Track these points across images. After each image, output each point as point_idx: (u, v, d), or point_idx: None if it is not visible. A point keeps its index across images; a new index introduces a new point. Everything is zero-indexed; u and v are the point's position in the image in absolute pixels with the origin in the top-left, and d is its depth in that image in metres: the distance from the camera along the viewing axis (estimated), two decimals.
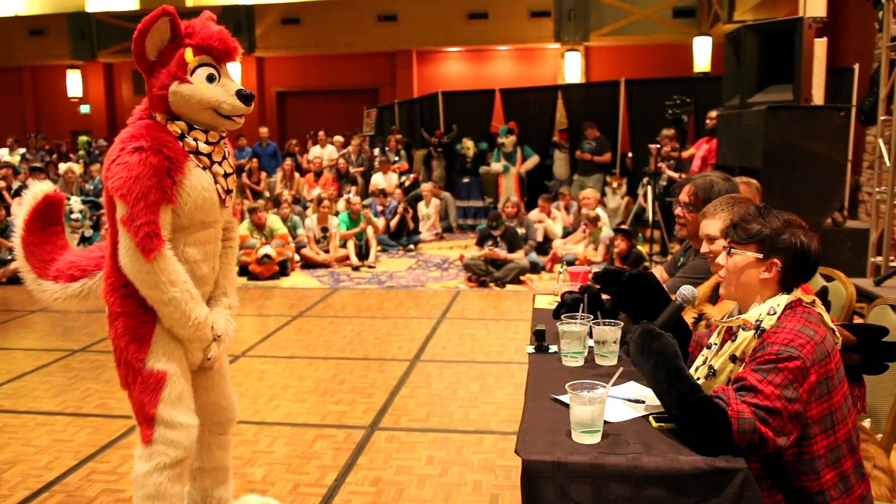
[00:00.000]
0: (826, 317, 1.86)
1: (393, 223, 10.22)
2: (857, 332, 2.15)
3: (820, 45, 5.56)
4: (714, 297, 2.52)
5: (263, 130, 13.33)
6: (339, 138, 13.25)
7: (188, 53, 2.24)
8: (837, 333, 1.87)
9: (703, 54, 14.18)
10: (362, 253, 9.14)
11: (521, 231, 8.44)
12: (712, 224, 2.46)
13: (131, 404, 2.37)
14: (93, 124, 18.61)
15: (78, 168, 11.82)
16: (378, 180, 11.41)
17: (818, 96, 5.62)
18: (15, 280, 7.53)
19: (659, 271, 3.31)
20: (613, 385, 1.87)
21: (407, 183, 11.55)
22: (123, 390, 2.40)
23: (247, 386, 4.60)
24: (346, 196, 9.90)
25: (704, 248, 2.48)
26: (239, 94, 2.29)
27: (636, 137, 11.52)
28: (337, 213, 9.43)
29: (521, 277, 7.81)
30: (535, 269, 8.13)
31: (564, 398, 1.89)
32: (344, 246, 9.10)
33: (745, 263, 1.89)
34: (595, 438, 1.74)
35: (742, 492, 1.61)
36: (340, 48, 16.81)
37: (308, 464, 3.48)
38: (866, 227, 5.96)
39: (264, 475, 3.37)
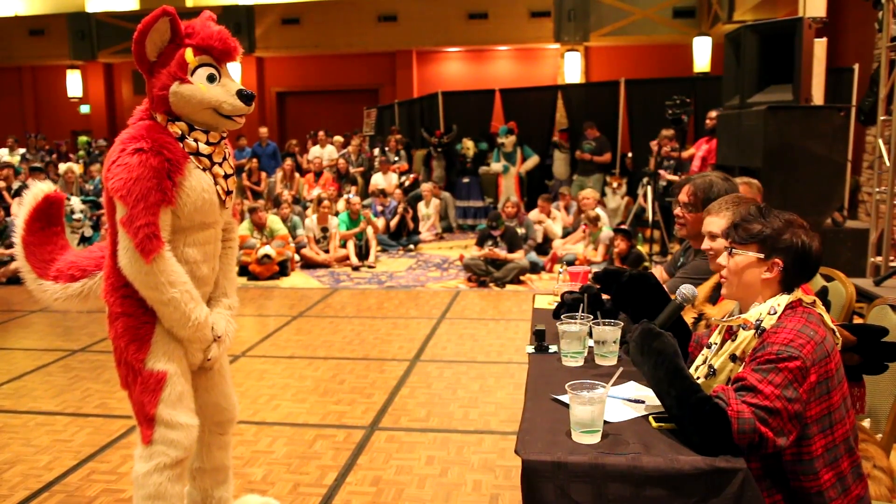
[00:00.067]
0: (826, 317, 1.86)
1: (393, 223, 10.22)
2: (856, 333, 2.16)
3: (820, 46, 5.56)
4: (714, 297, 2.52)
5: (263, 130, 13.33)
6: (339, 138, 13.25)
7: (188, 53, 2.24)
8: (837, 334, 1.87)
9: (702, 54, 14.17)
10: (362, 253, 9.14)
11: (520, 231, 8.45)
12: (716, 221, 2.45)
13: (131, 404, 2.37)
14: (93, 124, 18.63)
15: (78, 168, 11.82)
16: (378, 180, 11.41)
17: (818, 96, 5.61)
18: (15, 280, 7.53)
19: (659, 271, 3.31)
20: (613, 385, 1.87)
21: (407, 183, 11.54)
22: (123, 390, 2.40)
23: (247, 386, 4.60)
24: (345, 196, 9.90)
25: (706, 244, 2.48)
26: (239, 93, 2.30)
27: (636, 137, 11.53)
28: (337, 214, 9.43)
29: (521, 277, 7.81)
30: (534, 269, 8.14)
31: (564, 398, 1.89)
32: (344, 246, 9.10)
33: (746, 263, 1.89)
34: (595, 438, 1.74)
35: (742, 492, 1.61)
36: (340, 48, 16.82)
37: (308, 464, 3.49)
38: (866, 227, 5.97)
39: (264, 475, 3.37)
